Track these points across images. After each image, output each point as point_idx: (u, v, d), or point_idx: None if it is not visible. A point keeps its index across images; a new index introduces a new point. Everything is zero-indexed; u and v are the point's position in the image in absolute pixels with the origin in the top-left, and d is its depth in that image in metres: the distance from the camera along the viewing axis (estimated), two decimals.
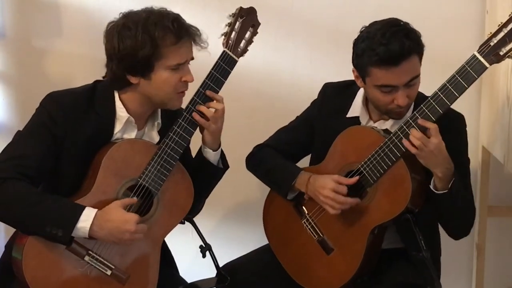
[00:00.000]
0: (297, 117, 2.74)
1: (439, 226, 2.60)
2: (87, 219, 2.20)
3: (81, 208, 2.21)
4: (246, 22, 2.41)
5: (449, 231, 2.51)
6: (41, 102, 2.34)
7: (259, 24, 2.44)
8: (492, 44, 2.21)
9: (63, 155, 2.30)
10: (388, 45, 2.30)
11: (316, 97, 2.69)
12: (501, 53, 2.21)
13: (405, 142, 2.30)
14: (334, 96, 2.61)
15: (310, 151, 2.70)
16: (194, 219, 2.51)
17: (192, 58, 2.35)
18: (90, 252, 2.26)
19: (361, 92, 2.55)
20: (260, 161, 2.69)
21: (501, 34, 2.20)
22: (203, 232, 2.50)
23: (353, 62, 2.44)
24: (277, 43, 3.15)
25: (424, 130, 2.28)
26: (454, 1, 3.10)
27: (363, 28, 2.42)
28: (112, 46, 2.29)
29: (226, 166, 2.51)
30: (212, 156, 2.44)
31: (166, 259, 2.52)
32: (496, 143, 2.85)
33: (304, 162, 2.73)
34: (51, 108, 2.30)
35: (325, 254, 2.50)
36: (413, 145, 2.28)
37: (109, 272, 2.29)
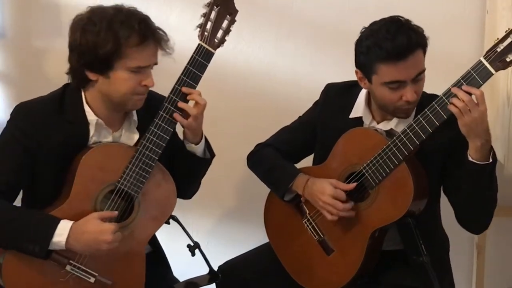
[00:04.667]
0: (299, 117, 2.73)
1: (444, 228, 2.60)
2: (62, 232, 2.18)
3: (56, 222, 2.18)
4: (222, 10, 2.31)
5: (472, 221, 2.46)
6: (10, 115, 2.31)
7: (236, 11, 2.33)
8: (498, 50, 2.19)
9: (39, 165, 2.27)
10: (394, 40, 2.28)
11: (316, 97, 2.69)
12: (508, 60, 2.18)
13: (450, 106, 2.22)
14: (337, 96, 2.60)
15: (312, 152, 2.69)
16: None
17: (156, 63, 2.28)
18: (71, 261, 2.24)
19: (363, 93, 2.53)
20: (260, 160, 2.68)
21: (508, 40, 2.18)
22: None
23: (356, 62, 2.42)
24: (277, 43, 3.15)
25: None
26: (454, 1, 3.10)
27: (364, 29, 2.41)
28: (74, 39, 2.24)
29: (212, 155, 2.46)
30: (196, 149, 2.39)
31: (159, 258, 2.51)
32: (496, 143, 2.85)
33: (307, 161, 2.73)
34: (19, 120, 2.27)
35: (325, 254, 2.50)
36: (456, 107, 2.21)
37: (92, 280, 2.27)
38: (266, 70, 3.16)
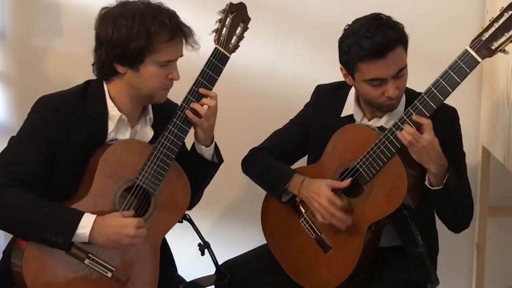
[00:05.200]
0: (291, 119, 2.75)
1: (437, 223, 2.61)
2: (86, 225, 2.19)
3: (80, 214, 2.20)
4: (236, 17, 2.39)
5: (448, 225, 2.52)
6: (33, 107, 2.32)
7: (249, 19, 2.42)
8: (483, 38, 2.22)
9: (59, 159, 2.29)
10: (373, 38, 2.32)
11: None
12: (493, 48, 2.22)
13: (399, 133, 2.30)
14: (327, 97, 2.63)
15: (305, 153, 2.70)
16: (193, 217, 2.51)
17: (181, 55, 2.35)
18: (90, 255, 2.25)
19: (353, 91, 2.56)
20: (255, 164, 2.69)
21: (493, 29, 2.21)
22: (202, 232, 2.50)
23: (340, 60, 2.45)
24: (277, 43, 3.15)
25: (418, 126, 2.29)
26: (454, 1, 3.10)
27: (347, 26, 2.44)
28: (105, 32, 2.28)
29: (220, 160, 2.50)
30: (205, 151, 2.43)
31: (165, 258, 2.52)
32: (496, 143, 2.85)
33: (302, 163, 2.73)
34: (44, 112, 2.28)
35: (323, 252, 2.50)
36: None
37: (109, 275, 2.28)
38: (266, 70, 3.17)
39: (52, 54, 3.17)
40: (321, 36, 3.11)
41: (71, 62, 3.17)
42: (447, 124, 2.42)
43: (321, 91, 2.67)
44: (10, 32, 3.16)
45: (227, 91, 2.99)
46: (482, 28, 2.24)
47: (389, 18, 2.39)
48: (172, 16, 2.29)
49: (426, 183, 2.36)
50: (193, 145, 2.45)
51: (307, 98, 2.72)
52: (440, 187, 2.33)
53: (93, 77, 2.42)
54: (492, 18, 2.22)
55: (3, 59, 3.18)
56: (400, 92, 2.40)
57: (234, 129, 3.15)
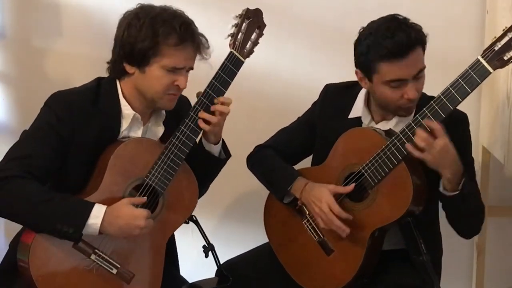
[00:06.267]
0: (298, 118, 2.74)
1: (440, 227, 2.60)
2: (97, 215, 2.21)
3: (91, 205, 2.22)
4: (252, 23, 2.42)
5: (460, 232, 2.50)
6: (46, 102, 2.34)
7: (264, 25, 2.45)
8: (496, 48, 2.20)
9: (70, 154, 2.31)
10: (394, 37, 2.29)
11: (316, 97, 2.69)
12: (505, 58, 2.19)
13: (408, 146, 2.28)
14: (336, 97, 2.61)
15: (311, 152, 2.69)
16: (197, 218, 2.51)
17: (192, 68, 2.35)
18: (96, 250, 2.26)
19: (362, 93, 2.54)
20: (260, 161, 2.69)
21: (506, 39, 2.19)
22: (205, 232, 2.50)
23: (356, 62, 2.42)
24: (277, 43, 3.15)
25: (429, 132, 2.27)
26: (454, 1, 3.10)
27: (362, 29, 2.41)
28: (119, 32, 2.32)
29: (228, 155, 2.51)
30: (214, 148, 2.44)
31: (170, 257, 2.52)
32: (496, 143, 2.85)
33: (306, 163, 2.73)
34: (57, 107, 2.31)
35: (325, 255, 2.49)
36: (417, 148, 2.26)
37: (114, 271, 2.29)
38: (266, 70, 3.16)
39: (52, 54, 3.18)
40: (321, 36, 3.12)
41: (71, 62, 3.17)
42: (458, 130, 2.41)
43: (329, 90, 2.65)
44: (10, 32, 3.16)
45: (227, 91, 3.00)
46: (495, 37, 2.21)
47: (406, 19, 2.37)
48: (185, 22, 2.30)
49: (441, 189, 2.34)
50: (200, 141, 2.46)
51: (307, 98, 2.72)
52: (456, 193, 2.32)
53: (93, 76, 2.42)
54: (506, 28, 2.20)
55: (3, 59, 3.18)
56: (418, 95, 2.38)
57: (234, 129, 3.13)
